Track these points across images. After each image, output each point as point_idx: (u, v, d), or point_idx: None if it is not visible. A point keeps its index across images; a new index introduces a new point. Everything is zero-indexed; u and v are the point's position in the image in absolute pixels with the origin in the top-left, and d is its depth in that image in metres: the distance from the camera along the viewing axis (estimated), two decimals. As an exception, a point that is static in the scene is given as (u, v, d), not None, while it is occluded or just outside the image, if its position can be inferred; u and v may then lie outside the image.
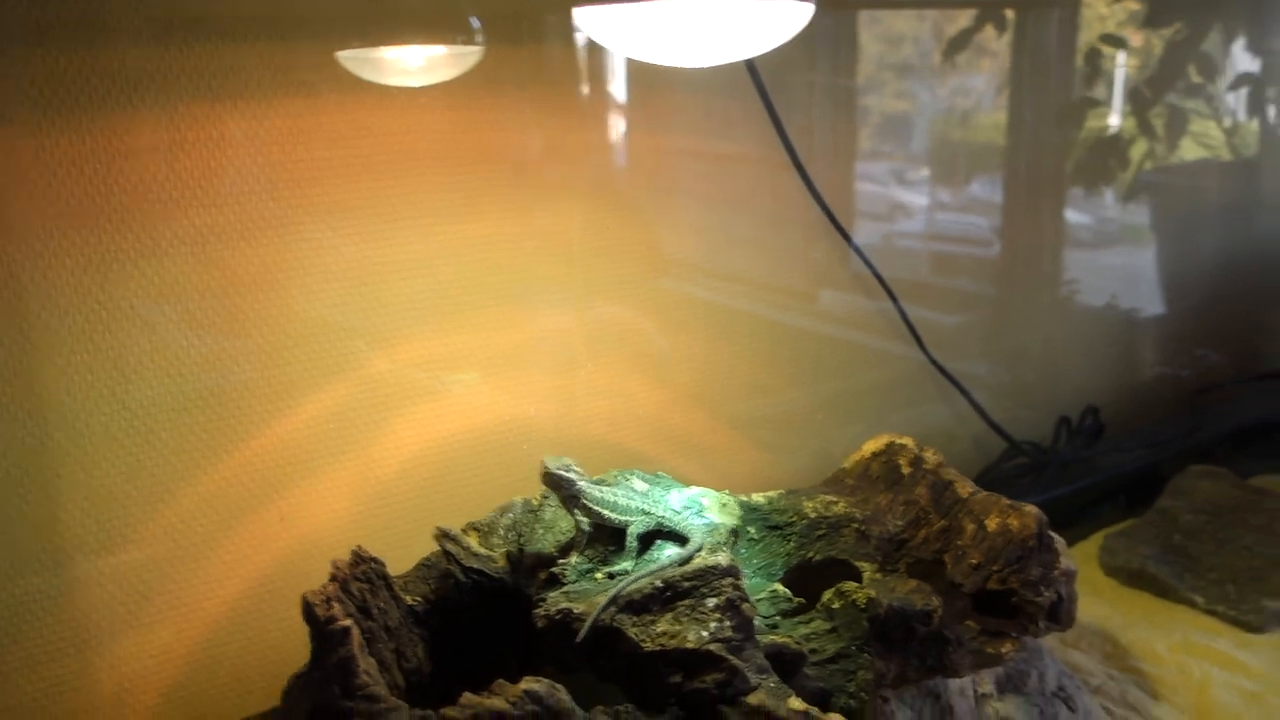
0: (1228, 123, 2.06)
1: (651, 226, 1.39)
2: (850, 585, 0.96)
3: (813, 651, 0.94)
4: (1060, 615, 1.05)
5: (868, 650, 0.94)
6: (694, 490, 0.93)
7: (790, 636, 0.91)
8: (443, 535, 0.83)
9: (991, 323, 1.69)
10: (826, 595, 0.96)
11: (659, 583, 0.77)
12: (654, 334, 1.41)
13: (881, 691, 0.97)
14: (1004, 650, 1.01)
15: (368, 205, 1.17)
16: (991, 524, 1.02)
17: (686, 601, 0.77)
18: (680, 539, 0.86)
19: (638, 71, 1.31)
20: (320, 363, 1.16)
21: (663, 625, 0.76)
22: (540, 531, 0.89)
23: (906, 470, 1.08)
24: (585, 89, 1.31)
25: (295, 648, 0.79)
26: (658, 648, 0.74)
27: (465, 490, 1.23)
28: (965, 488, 1.06)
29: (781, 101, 1.34)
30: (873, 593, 0.95)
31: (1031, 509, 1.03)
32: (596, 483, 0.90)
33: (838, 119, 1.51)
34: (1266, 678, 1.29)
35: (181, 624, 1.13)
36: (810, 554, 1.02)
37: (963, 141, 1.65)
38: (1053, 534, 1.04)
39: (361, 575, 0.77)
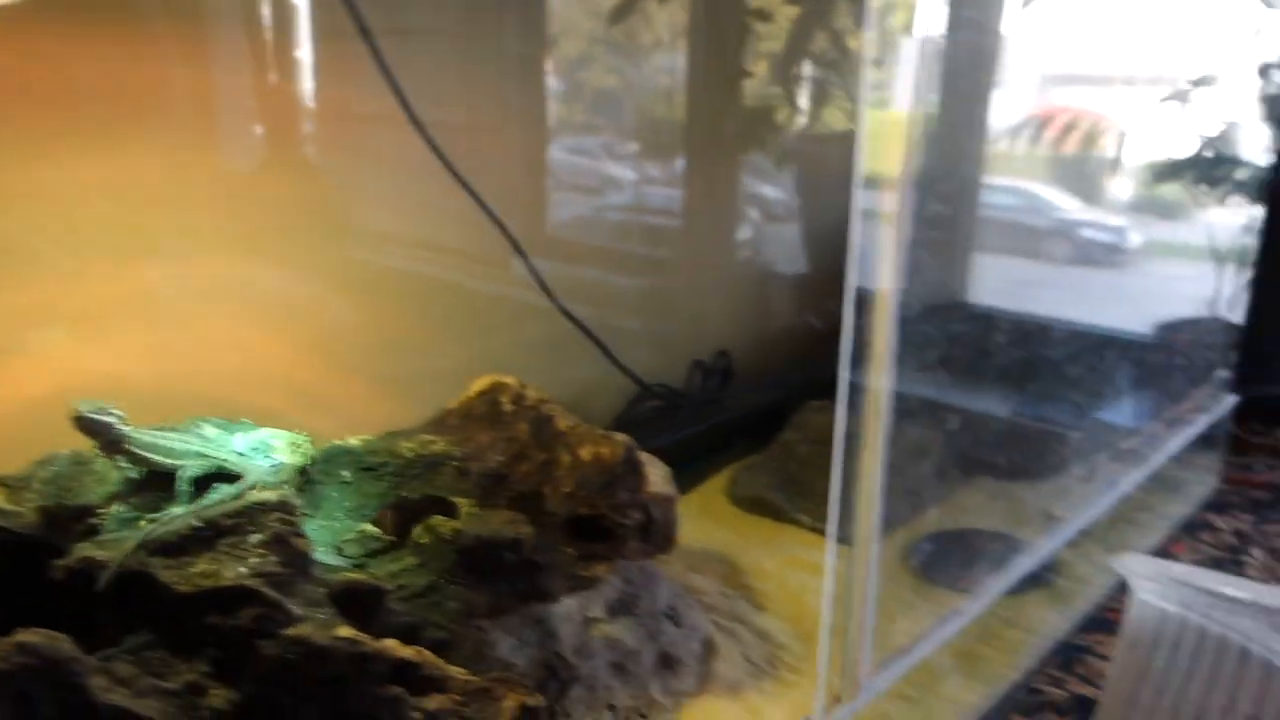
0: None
1: (282, 179, 1.34)
2: (438, 519, 0.97)
3: (401, 587, 0.95)
4: (653, 536, 1.12)
5: (456, 582, 0.96)
6: (264, 432, 0.90)
7: (372, 574, 0.91)
8: (-44, 490, 0.75)
9: (645, 283, 1.77)
10: (415, 531, 0.97)
11: (197, 522, 0.74)
12: (285, 289, 1.36)
13: (476, 621, 0.99)
14: (598, 572, 1.06)
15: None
16: (584, 454, 1.07)
17: (229, 540, 0.75)
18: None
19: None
20: None
21: (201, 565, 0.73)
22: (90, 483, 0.83)
23: (508, 407, 1.10)
24: (218, 25, 1.24)
25: None
26: (193, 589, 0.71)
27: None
28: (564, 422, 1.10)
29: (474, 71, 1.33)
30: (457, 525, 0.96)
31: (622, 438, 1.09)
32: (159, 430, 0.85)
33: (529, 90, 1.52)
34: (850, 581, 1.43)
35: None
36: (406, 493, 1.02)
37: (641, 112, 1.71)
38: (641, 460, 1.10)
39: None
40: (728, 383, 1.77)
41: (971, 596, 1.19)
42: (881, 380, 1.02)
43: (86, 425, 0.79)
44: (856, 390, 1.00)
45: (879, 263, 0.97)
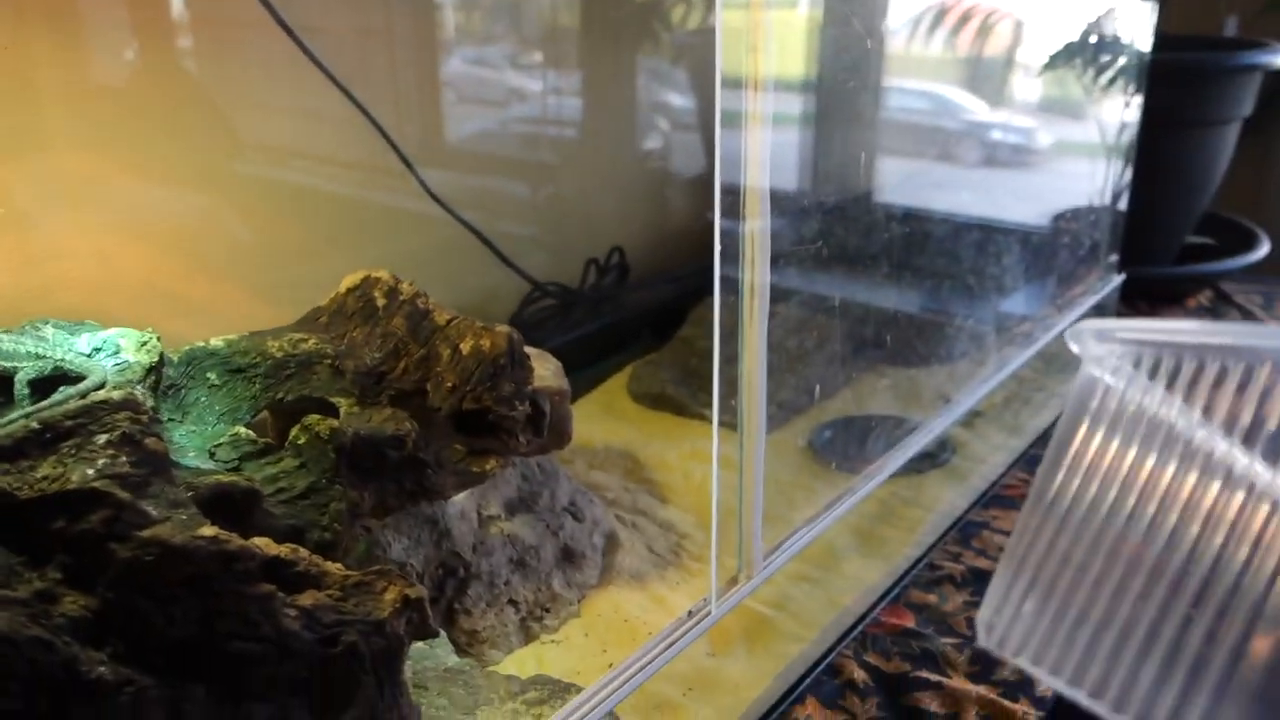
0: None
1: (149, 81, 1.25)
2: (313, 418, 0.93)
3: (281, 490, 0.91)
4: (542, 429, 1.09)
5: (339, 482, 0.92)
6: (111, 332, 0.85)
7: (249, 477, 0.87)
8: None
9: (537, 187, 1.72)
10: (293, 432, 0.93)
11: (34, 424, 0.69)
12: (149, 195, 1.28)
13: (363, 522, 0.96)
14: (488, 467, 1.04)
15: None
16: (465, 347, 1.03)
17: (72, 441, 0.69)
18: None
19: None
20: None
21: (44, 469, 0.68)
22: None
23: (382, 302, 1.06)
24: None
25: None
26: (36, 494, 0.66)
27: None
28: (443, 315, 1.06)
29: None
30: (335, 424, 0.93)
31: (504, 328, 1.06)
32: (-8, 334, 0.79)
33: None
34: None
35: None
36: (280, 394, 0.97)
37: (530, 17, 1.64)
38: (526, 352, 1.07)
39: None
40: (623, 279, 1.74)
41: (867, 477, 1.21)
42: (757, 274, 1.01)
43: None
44: (729, 284, 0.99)
45: (750, 163, 0.97)
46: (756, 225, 0.97)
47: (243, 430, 0.93)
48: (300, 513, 0.91)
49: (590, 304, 1.64)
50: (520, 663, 1.06)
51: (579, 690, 0.90)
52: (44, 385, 0.77)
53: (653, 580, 1.20)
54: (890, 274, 1.82)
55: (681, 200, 2.06)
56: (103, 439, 0.71)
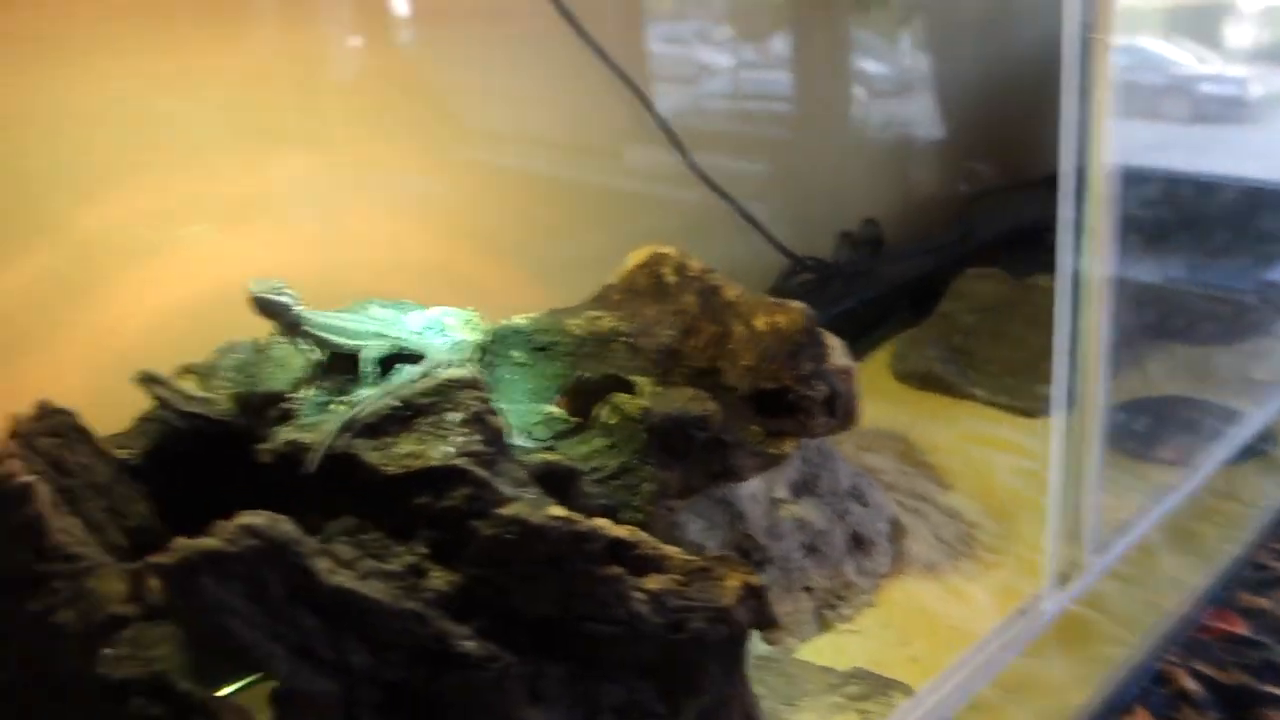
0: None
1: (422, 64, 1.28)
2: (622, 397, 0.93)
3: (595, 469, 0.91)
4: (837, 409, 1.05)
5: (649, 462, 0.91)
6: (436, 310, 0.86)
7: (568, 455, 0.87)
8: (149, 380, 0.73)
9: (780, 161, 1.68)
10: (600, 410, 0.93)
11: (395, 402, 0.71)
12: (425, 179, 1.32)
13: (667, 502, 0.95)
14: (785, 449, 1.01)
15: (70, 30, 1.00)
16: (760, 323, 1.00)
17: (428, 419, 0.71)
18: (421, 360, 0.80)
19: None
20: (17, 223, 1.01)
21: (405, 446, 0.70)
22: (271, 370, 0.80)
23: (672, 279, 1.04)
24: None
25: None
26: (401, 470, 0.68)
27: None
28: (732, 290, 1.04)
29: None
30: (646, 403, 0.92)
31: (797, 305, 1.02)
32: (332, 312, 0.82)
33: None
34: (1042, 456, 1.36)
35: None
36: (582, 372, 0.97)
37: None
38: (821, 330, 1.03)
39: (49, 430, 0.67)
40: (877, 251, 1.68)
41: (1188, 469, 1.10)
42: (1101, 259, 0.93)
43: (264, 305, 0.76)
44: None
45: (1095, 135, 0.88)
46: (1101, 206, 0.88)
47: (553, 409, 0.93)
48: (612, 493, 0.91)
49: (846, 278, 1.59)
50: (818, 651, 1.03)
51: (903, 688, 0.86)
52: (384, 360, 0.80)
53: (946, 571, 1.14)
54: (1166, 243, 1.68)
55: (929, 168, 1.97)
56: (456, 417, 0.72)
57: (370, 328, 0.79)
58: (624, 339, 0.99)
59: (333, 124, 1.22)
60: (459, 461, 0.69)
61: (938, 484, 1.32)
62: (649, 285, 1.04)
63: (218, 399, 0.76)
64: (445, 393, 0.72)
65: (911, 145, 1.94)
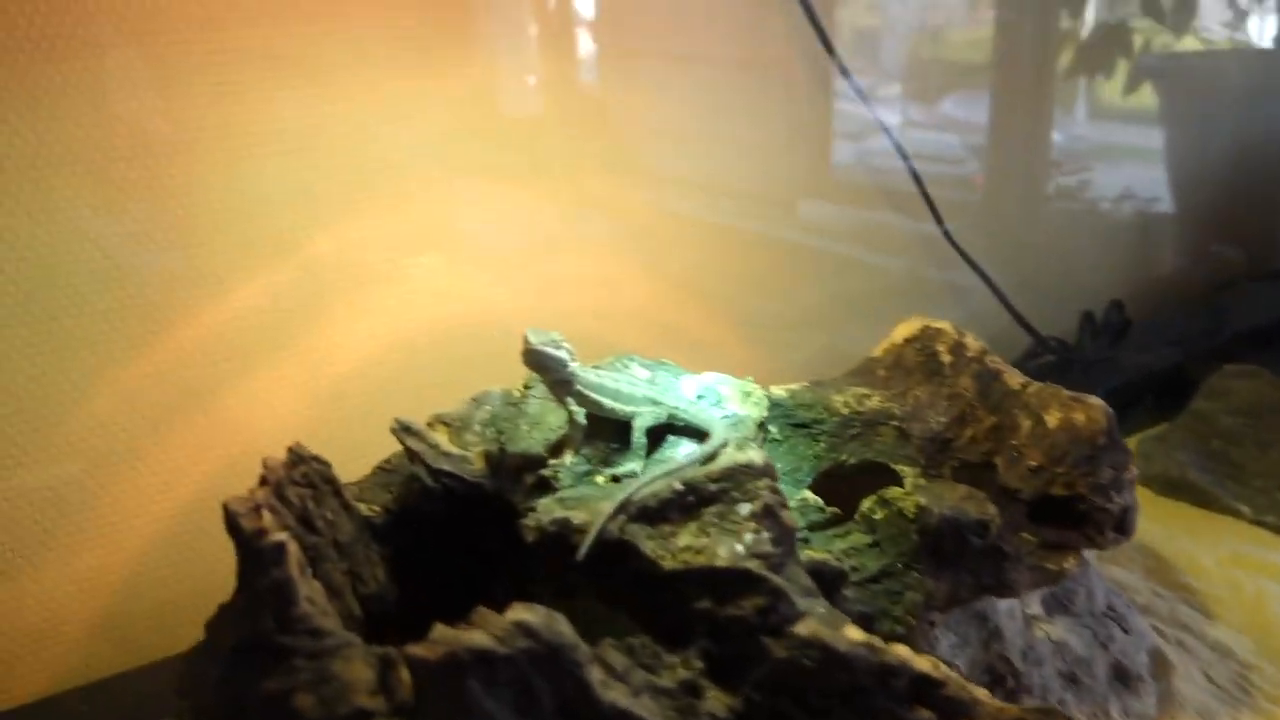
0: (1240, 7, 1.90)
1: (650, 105, 1.21)
2: (895, 491, 0.81)
3: (853, 569, 0.79)
4: (1127, 525, 0.91)
5: (916, 567, 0.79)
6: (709, 377, 0.77)
7: (828, 552, 0.76)
8: (404, 430, 0.66)
9: (1017, 232, 1.54)
10: (867, 503, 0.81)
11: (679, 485, 0.61)
12: (644, 221, 1.24)
13: (930, 615, 0.82)
14: (1066, 565, 0.87)
15: (309, 51, 0.97)
16: (1052, 419, 0.87)
17: (713, 508, 0.61)
18: (697, 434, 0.70)
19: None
20: (253, 241, 0.97)
21: (685, 538, 0.59)
22: (524, 428, 0.72)
23: (947, 358, 0.92)
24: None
25: (234, 570, 0.62)
26: (680, 565, 0.58)
27: (432, 389, 1.06)
28: (1015, 378, 0.91)
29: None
30: (922, 500, 0.80)
31: (1097, 402, 0.88)
32: (598, 369, 0.73)
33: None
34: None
35: (107, 546, 0.96)
36: (843, 456, 0.86)
37: (945, 59, 1.48)
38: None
39: (301, 478, 0.60)
40: (1123, 337, 1.51)
41: None
42: None
43: (538, 360, 0.67)
44: None
45: None
46: None
47: (809, 495, 0.82)
48: (871, 598, 0.79)
49: (1087, 364, 1.43)
50: (1086, 805, 0.88)
51: None
52: (652, 433, 0.70)
53: (1227, 721, 0.98)
54: None
55: (1173, 249, 1.79)
56: (745, 509, 0.61)
57: (643, 392, 0.70)
58: (894, 423, 0.87)
59: (556, 161, 1.15)
60: (749, 564, 0.58)
61: (1201, 612, 1.14)
62: (919, 362, 0.92)
63: (470, 457, 0.68)
64: (735, 480, 0.61)
65: (1154, 223, 1.77)
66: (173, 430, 0.98)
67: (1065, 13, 1.57)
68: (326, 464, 0.62)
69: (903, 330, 0.95)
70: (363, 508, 0.65)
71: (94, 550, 0.95)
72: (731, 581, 0.58)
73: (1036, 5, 1.49)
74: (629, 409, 0.69)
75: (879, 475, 0.86)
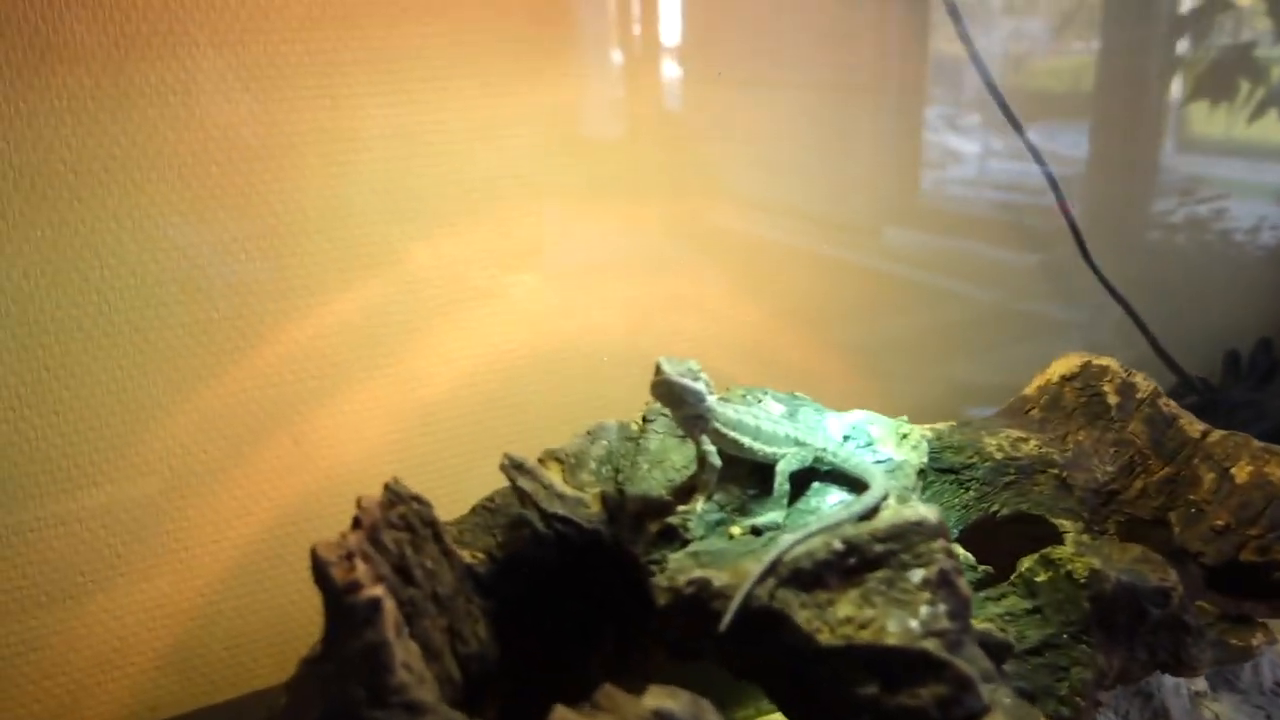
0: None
1: (751, 128, 1.12)
2: (1062, 551, 0.70)
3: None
4: (1323, 596, 0.78)
5: (1086, 640, 0.68)
6: (857, 415, 0.66)
7: (986, 619, 0.65)
8: (514, 467, 0.57)
9: (1160, 264, 1.41)
10: (1026, 563, 0.70)
11: (838, 544, 0.51)
12: (747, 247, 1.14)
13: (1097, 694, 0.71)
14: (1254, 642, 0.75)
15: (410, 57, 0.90)
16: (1241, 474, 0.75)
17: (879, 573, 0.51)
18: (847, 482, 0.60)
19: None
20: (347, 253, 0.91)
21: (846, 607, 0.49)
22: (645, 466, 0.63)
23: (1114, 400, 0.80)
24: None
25: (315, 606, 0.54)
26: (840, 641, 0.48)
27: (529, 415, 0.98)
28: (1194, 425, 0.79)
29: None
30: (1096, 563, 0.68)
31: (1300, 454, 0.76)
32: (732, 404, 0.63)
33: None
34: None
35: (180, 572, 0.89)
36: (994, 506, 0.75)
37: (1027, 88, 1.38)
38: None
39: (399, 520, 0.52)
40: (1270, 379, 1.36)
41: None
42: None
43: (672, 392, 0.58)
44: None
45: None
46: None
47: (960, 550, 0.71)
48: (1032, 674, 0.68)
49: (1230, 408, 1.29)
50: None
51: None
52: (793, 479, 0.60)
53: None
54: None
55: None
56: (918, 575, 0.51)
57: (786, 431, 0.60)
58: (1054, 471, 0.76)
59: (671, 179, 1.07)
60: (926, 644, 0.48)
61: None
62: (1081, 403, 0.81)
63: (586, 499, 0.59)
64: (905, 540, 0.51)
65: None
66: (255, 451, 0.91)
67: (1179, 38, 1.45)
68: (427, 504, 0.54)
69: (1060, 366, 0.83)
70: (465, 554, 0.56)
71: (166, 576, 0.89)
72: (905, 664, 0.48)
73: (1136, 32, 1.38)
74: (771, 449, 0.59)
75: (1035, 530, 0.75)
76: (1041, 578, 0.69)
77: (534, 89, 0.96)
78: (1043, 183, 1.22)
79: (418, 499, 0.54)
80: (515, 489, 0.58)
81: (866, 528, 0.52)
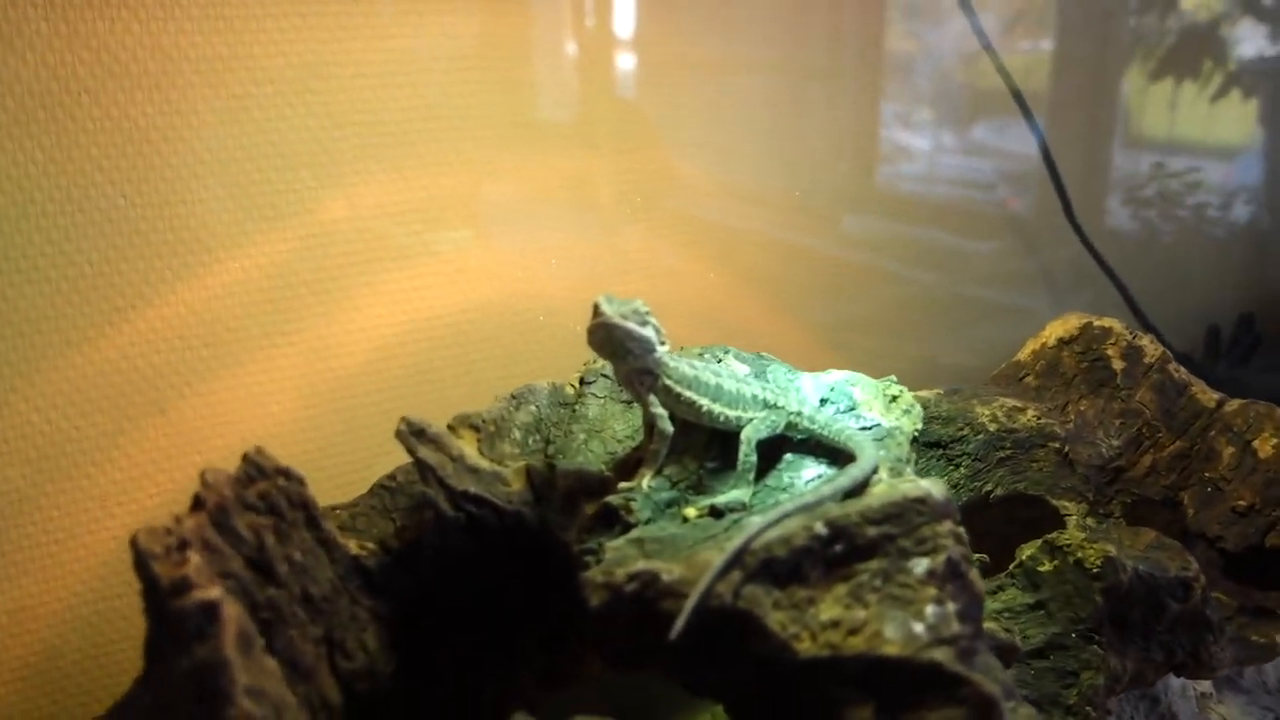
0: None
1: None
2: (1070, 537, 0.59)
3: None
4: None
5: (1097, 639, 0.57)
6: (836, 375, 0.54)
7: (989, 618, 0.54)
8: (414, 434, 0.44)
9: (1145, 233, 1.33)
10: (1028, 551, 0.59)
11: (820, 527, 0.39)
12: (707, 213, 1.03)
13: (1105, 700, 0.60)
14: (1278, 638, 0.65)
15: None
16: (1264, 448, 0.66)
17: (872, 564, 0.39)
18: (828, 453, 0.48)
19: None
20: (245, 202, 0.78)
21: (832, 607, 0.38)
22: (581, 436, 0.50)
23: (1119, 365, 0.70)
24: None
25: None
26: (825, 651, 0.36)
27: (458, 388, 0.85)
28: (1207, 394, 0.69)
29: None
30: (1110, 549, 0.57)
31: (1324, 426, 0.66)
32: (687, 358, 0.51)
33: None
34: None
35: (49, 570, 0.76)
36: (988, 485, 0.64)
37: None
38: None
39: (259, 501, 0.39)
40: (1251, 355, 1.28)
41: None
42: None
43: (614, 337, 0.46)
44: None
45: None
46: None
47: (953, 536, 0.60)
48: (1035, 680, 0.57)
49: (1213, 383, 1.20)
50: None
51: None
52: (763, 448, 0.48)
53: None
54: None
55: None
56: (921, 566, 0.39)
57: (752, 391, 0.48)
58: (1055, 445, 0.65)
59: (620, 125, 0.95)
60: (935, 654, 0.36)
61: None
62: (1080, 369, 0.70)
63: (505, 475, 0.46)
64: (904, 522, 0.39)
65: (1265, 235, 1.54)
66: (137, 430, 0.78)
67: (1143, 16, 1.37)
68: (299, 479, 0.41)
69: (1057, 329, 0.72)
70: (351, 544, 0.44)
71: (32, 575, 0.75)
72: (909, 680, 0.36)
73: (1092, 28, 1.30)
74: (735, 413, 0.47)
75: (1028, 511, 0.64)
76: (1046, 567, 0.58)
77: (464, 16, 0.84)
78: (992, 177, 1.14)
79: (286, 473, 0.41)
80: (416, 461, 0.45)
81: (855, 507, 0.40)
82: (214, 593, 0.33)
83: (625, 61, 0.96)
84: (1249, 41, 1.54)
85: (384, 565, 0.45)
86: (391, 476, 0.50)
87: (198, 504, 0.38)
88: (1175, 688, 0.74)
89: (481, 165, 0.87)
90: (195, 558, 0.34)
